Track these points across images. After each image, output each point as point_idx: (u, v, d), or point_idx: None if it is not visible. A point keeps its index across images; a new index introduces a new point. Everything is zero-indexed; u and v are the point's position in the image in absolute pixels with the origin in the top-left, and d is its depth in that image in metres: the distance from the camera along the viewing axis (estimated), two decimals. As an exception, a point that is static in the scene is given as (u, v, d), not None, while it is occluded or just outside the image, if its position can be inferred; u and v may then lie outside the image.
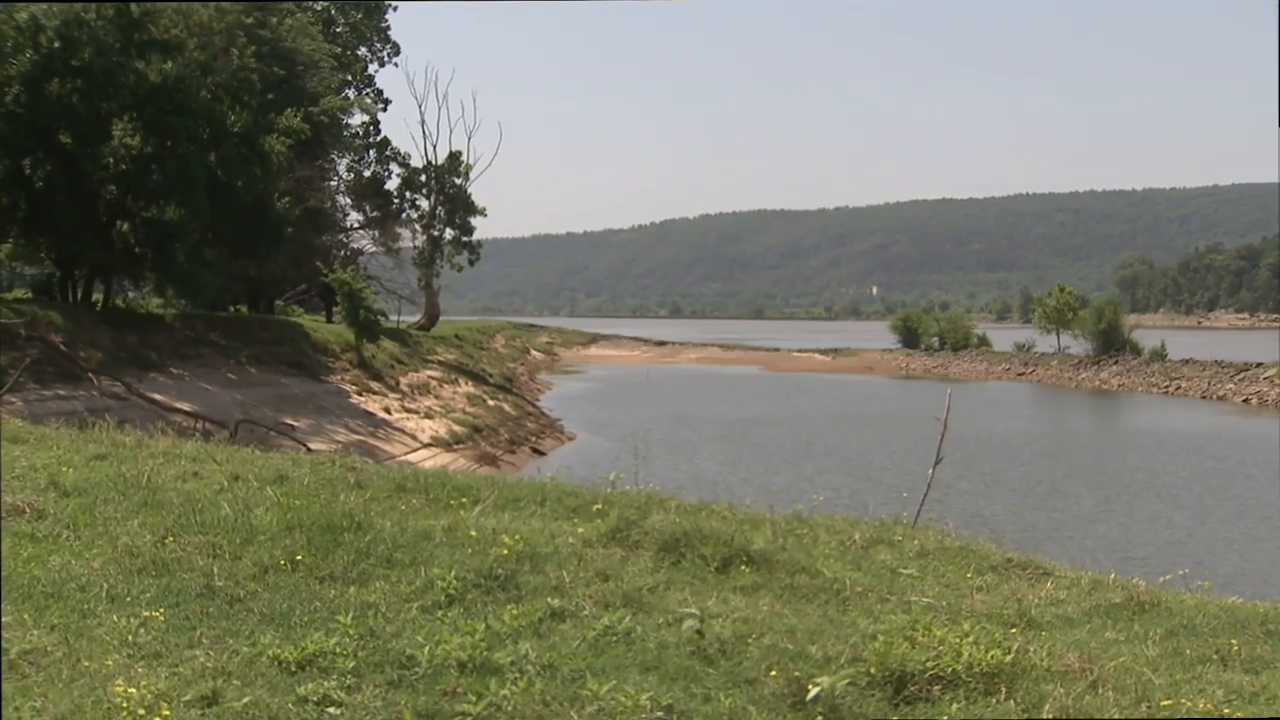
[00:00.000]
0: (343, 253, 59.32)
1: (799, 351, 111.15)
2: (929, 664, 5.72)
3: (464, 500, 9.33)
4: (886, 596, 7.42)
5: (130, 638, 6.00)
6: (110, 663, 5.67)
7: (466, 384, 48.91)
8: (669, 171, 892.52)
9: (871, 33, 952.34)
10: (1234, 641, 6.63)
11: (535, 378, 75.11)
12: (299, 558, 7.31)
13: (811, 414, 53.82)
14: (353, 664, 5.76)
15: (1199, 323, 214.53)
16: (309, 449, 22.40)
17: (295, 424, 30.16)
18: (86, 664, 5.65)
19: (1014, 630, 6.56)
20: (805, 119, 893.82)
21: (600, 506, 9.01)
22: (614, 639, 6.24)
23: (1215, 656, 6.39)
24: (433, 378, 46.46)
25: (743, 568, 7.68)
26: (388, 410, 37.04)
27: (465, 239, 65.37)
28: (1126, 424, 55.03)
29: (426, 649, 5.87)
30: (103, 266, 34.69)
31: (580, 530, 8.32)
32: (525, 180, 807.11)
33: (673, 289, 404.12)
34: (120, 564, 7.20)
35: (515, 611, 6.54)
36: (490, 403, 45.86)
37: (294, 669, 5.70)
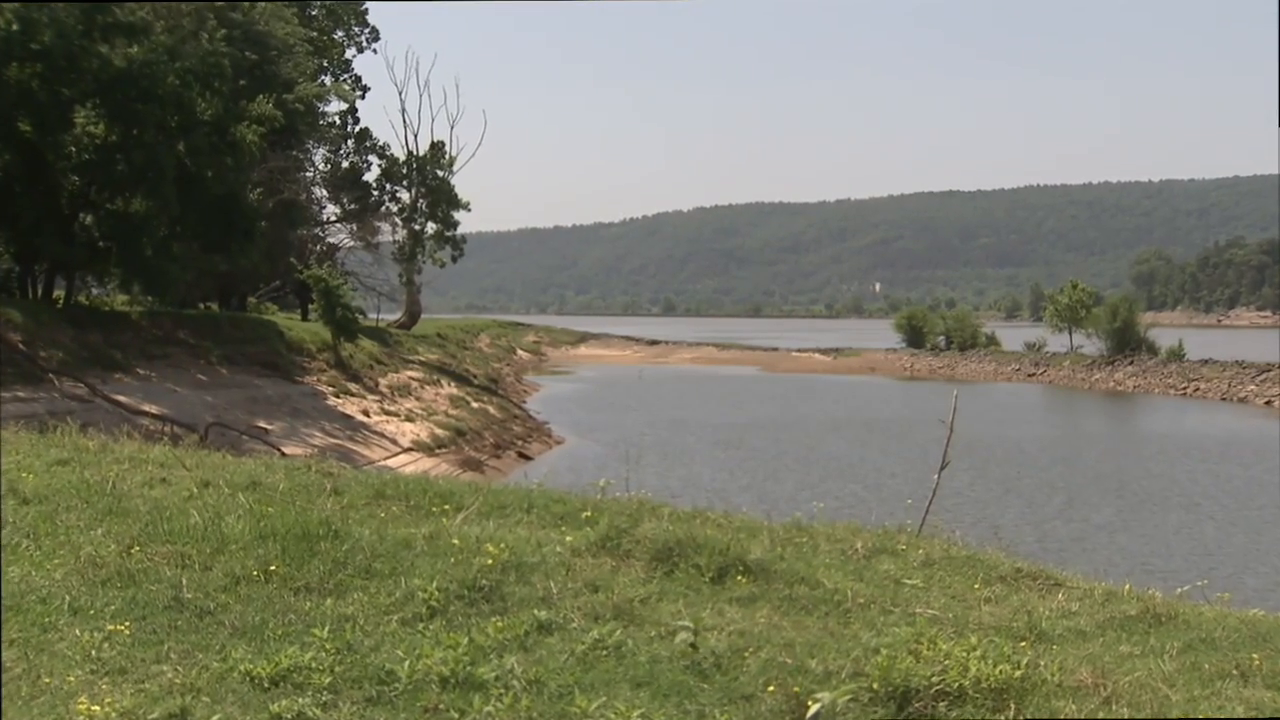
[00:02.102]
0: (319, 247, 59.35)
1: (798, 351, 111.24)
2: (934, 679, 5.74)
3: (446, 507, 9.33)
4: (890, 608, 7.43)
5: (94, 652, 6.00)
6: (73, 679, 5.67)
7: (449, 385, 48.92)
8: (661, 162, 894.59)
9: (873, 19, 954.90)
10: (1255, 656, 6.63)
11: (522, 379, 75.11)
12: (272, 568, 7.31)
13: (812, 417, 53.88)
14: (329, 679, 5.76)
15: (1219, 321, 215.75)
16: (283, 453, 22.37)
17: (269, 427, 30.14)
18: (48, 680, 5.65)
19: (1023, 644, 6.57)
20: (804, 107, 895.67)
21: (590, 514, 9.00)
22: (604, 653, 6.26)
23: (1235, 671, 6.40)
24: (414, 379, 46.46)
25: (739, 578, 7.68)
26: (366, 413, 37.04)
27: (448, 233, 65.33)
28: (1144, 427, 55.18)
29: (406, 663, 5.88)
30: (64, 261, 34.59)
31: (568, 539, 8.32)
32: (511, 172, 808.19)
33: (666, 285, 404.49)
34: (83, 575, 7.19)
35: (500, 624, 6.55)
36: (474, 405, 45.87)
37: (267, 685, 5.71)
